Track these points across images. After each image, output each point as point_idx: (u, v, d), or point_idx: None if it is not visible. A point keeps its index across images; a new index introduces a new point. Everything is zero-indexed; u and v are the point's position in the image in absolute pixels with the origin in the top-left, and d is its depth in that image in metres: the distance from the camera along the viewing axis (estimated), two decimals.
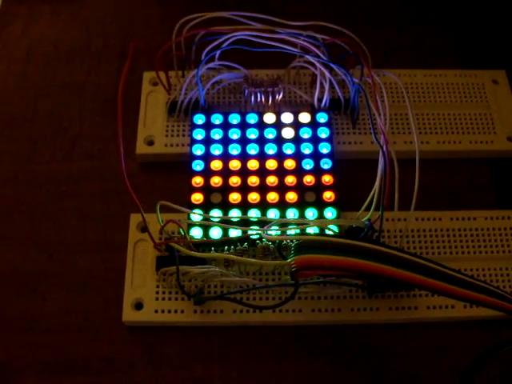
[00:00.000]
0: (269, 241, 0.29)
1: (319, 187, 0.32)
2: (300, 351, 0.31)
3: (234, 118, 0.35)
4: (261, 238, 0.30)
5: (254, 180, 0.33)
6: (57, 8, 0.43)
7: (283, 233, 0.30)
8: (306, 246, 0.25)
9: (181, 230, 0.31)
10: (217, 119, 0.35)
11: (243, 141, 0.34)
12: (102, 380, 0.30)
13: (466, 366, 0.27)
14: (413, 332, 0.31)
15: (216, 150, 0.34)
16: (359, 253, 0.24)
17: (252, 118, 0.35)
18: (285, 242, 0.28)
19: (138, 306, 0.31)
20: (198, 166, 0.33)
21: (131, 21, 0.42)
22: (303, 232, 0.30)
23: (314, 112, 0.35)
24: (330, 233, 0.30)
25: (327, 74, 0.33)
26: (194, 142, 0.34)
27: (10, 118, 0.38)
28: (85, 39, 0.41)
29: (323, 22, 0.34)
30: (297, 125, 0.34)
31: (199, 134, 0.34)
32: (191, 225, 0.31)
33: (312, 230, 0.30)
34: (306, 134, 0.34)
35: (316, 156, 0.33)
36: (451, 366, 0.30)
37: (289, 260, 0.25)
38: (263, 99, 0.35)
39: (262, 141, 0.34)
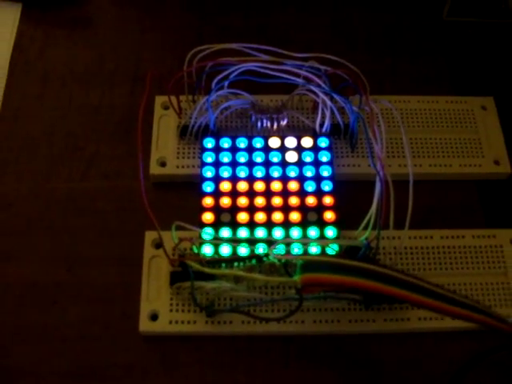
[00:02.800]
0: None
1: (320, 208, 0.35)
2: (302, 359, 0.33)
3: (242, 142, 0.37)
4: (267, 255, 0.33)
5: (260, 201, 0.35)
6: (71, 33, 0.45)
7: (288, 251, 0.33)
8: (311, 265, 0.28)
9: (194, 247, 0.33)
10: (225, 143, 0.37)
11: (250, 164, 0.36)
12: None
13: (454, 373, 0.30)
14: (406, 341, 0.34)
15: (225, 172, 0.36)
16: (357, 272, 0.27)
17: (258, 142, 0.37)
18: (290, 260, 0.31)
19: (154, 317, 0.33)
20: (208, 187, 0.36)
21: (142, 45, 0.44)
22: (306, 251, 0.32)
23: (315, 137, 0.37)
24: (332, 250, 0.33)
25: (328, 102, 0.36)
26: (204, 164, 0.36)
27: (28, 139, 0.40)
28: (98, 63, 0.44)
29: (325, 53, 0.37)
30: (300, 149, 0.37)
31: (209, 157, 0.37)
32: (203, 242, 0.34)
33: (315, 248, 0.33)
34: (308, 157, 0.37)
35: (318, 178, 0.36)
36: (441, 373, 0.33)
37: (295, 278, 0.28)
38: (268, 125, 0.37)
39: (267, 164, 0.36)
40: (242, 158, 0.37)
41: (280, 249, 0.33)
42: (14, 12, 0.45)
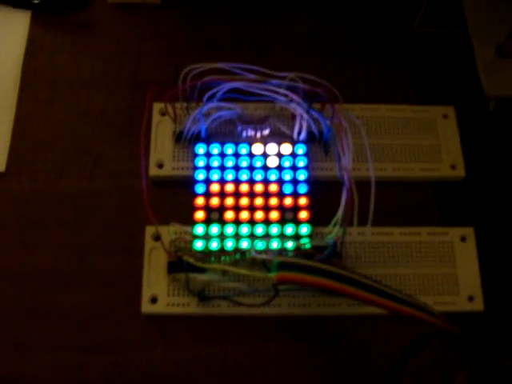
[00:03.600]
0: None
1: (296, 208, 0.40)
2: (279, 336, 0.39)
3: (229, 148, 0.42)
4: (249, 251, 0.38)
5: (244, 201, 0.40)
6: (77, 40, 0.49)
7: (267, 246, 0.38)
8: (285, 265, 0.34)
9: (188, 244, 0.39)
10: (215, 148, 0.42)
11: (236, 168, 0.42)
12: (124, 358, 0.39)
13: (404, 348, 0.36)
14: (365, 322, 0.40)
15: (214, 174, 0.41)
16: (323, 273, 0.33)
17: (244, 148, 0.42)
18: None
19: (154, 300, 0.39)
20: (200, 188, 0.41)
21: (141, 52, 0.48)
22: (283, 247, 0.38)
23: (293, 144, 0.43)
24: (304, 247, 0.39)
25: (305, 116, 0.41)
26: (196, 168, 0.42)
27: (40, 142, 0.44)
28: (101, 69, 0.48)
29: (303, 68, 0.42)
30: (280, 155, 0.42)
31: (201, 161, 0.42)
32: (195, 238, 0.39)
33: (290, 243, 0.39)
34: (287, 162, 0.42)
35: (295, 181, 0.41)
36: (394, 349, 0.39)
37: (271, 275, 0.34)
38: (252, 134, 0.43)
39: (251, 168, 0.42)
40: (230, 162, 0.42)
41: (260, 244, 0.39)
42: (25, 19, 0.50)
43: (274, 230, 0.40)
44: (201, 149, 0.42)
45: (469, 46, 0.48)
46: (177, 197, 0.43)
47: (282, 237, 0.39)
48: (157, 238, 0.41)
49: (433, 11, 0.49)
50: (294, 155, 0.42)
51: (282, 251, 0.38)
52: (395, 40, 0.49)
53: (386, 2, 0.51)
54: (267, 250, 0.38)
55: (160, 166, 0.43)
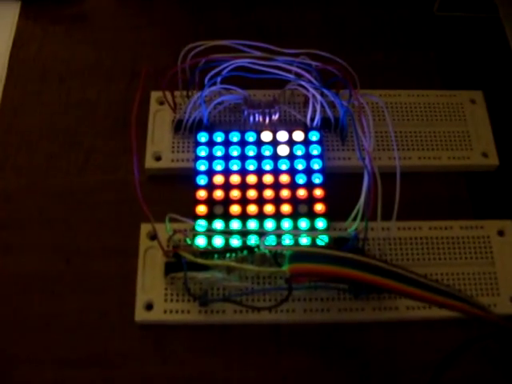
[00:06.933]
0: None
1: (311, 200, 0.36)
2: (293, 347, 0.34)
3: (235, 136, 0.38)
4: (258, 246, 0.33)
5: (252, 193, 0.36)
6: (69, 30, 0.46)
7: (279, 242, 0.33)
8: (298, 255, 0.29)
9: (187, 239, 0.34)
10: (219, 137, 0.38)
11: (243, 157, 0.37)
12: (115, 373, 0.34)
13: (440, 360, 0.31)
14: (394, 330, 0.35)
15: (218, 165, 0.37)
16: (342, 262, 0.28)
17: (251, 136, 0.38)
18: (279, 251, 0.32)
19: (149, 306, 0.34)
20: (201, 180, 0.37)
21: (138, 42, 0.45)
22: (297, 242, 0.33)
23: (306, 130, 0.38)
24: (321, 241, 0.34)
25: (318, 97, 0.37)
26: (197, 158, 0.37)
27: (28, 134, 0.41)
28: (95, 59, 0.44)
29: (315, 49, 0.38)
30: (291, 142, 0.38)
31: (203, 151, 0.38)
32: (196, 234, 0.35)
33: (305, 239, 0.34)
34: (299, 150, 0.38)
35: (308, 171, 0.37)
36: (428, 361, 0.34)
37: (283, 268, 0.29)
38: (261, 119, 0.38)
39: (259, 157, 0.37)
40: (235, 151, 0.38)
41: (271, 240, 0.34)
42: (13, 10, 0.46)
43: (286, 224, 0.35)
44: (203, 137, 0.38)
45: (495, 29, 0.44)
46: (176, 192, 0.39)
47: (296, 231, 0.34)
48: (153, 237, 0.36)
49: None
50: (306, 143, 0.38)
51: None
52: (414, 24, 0.46)
53: None
54: (277, 246, 0.33)
55: (157, 158, 0.39)
